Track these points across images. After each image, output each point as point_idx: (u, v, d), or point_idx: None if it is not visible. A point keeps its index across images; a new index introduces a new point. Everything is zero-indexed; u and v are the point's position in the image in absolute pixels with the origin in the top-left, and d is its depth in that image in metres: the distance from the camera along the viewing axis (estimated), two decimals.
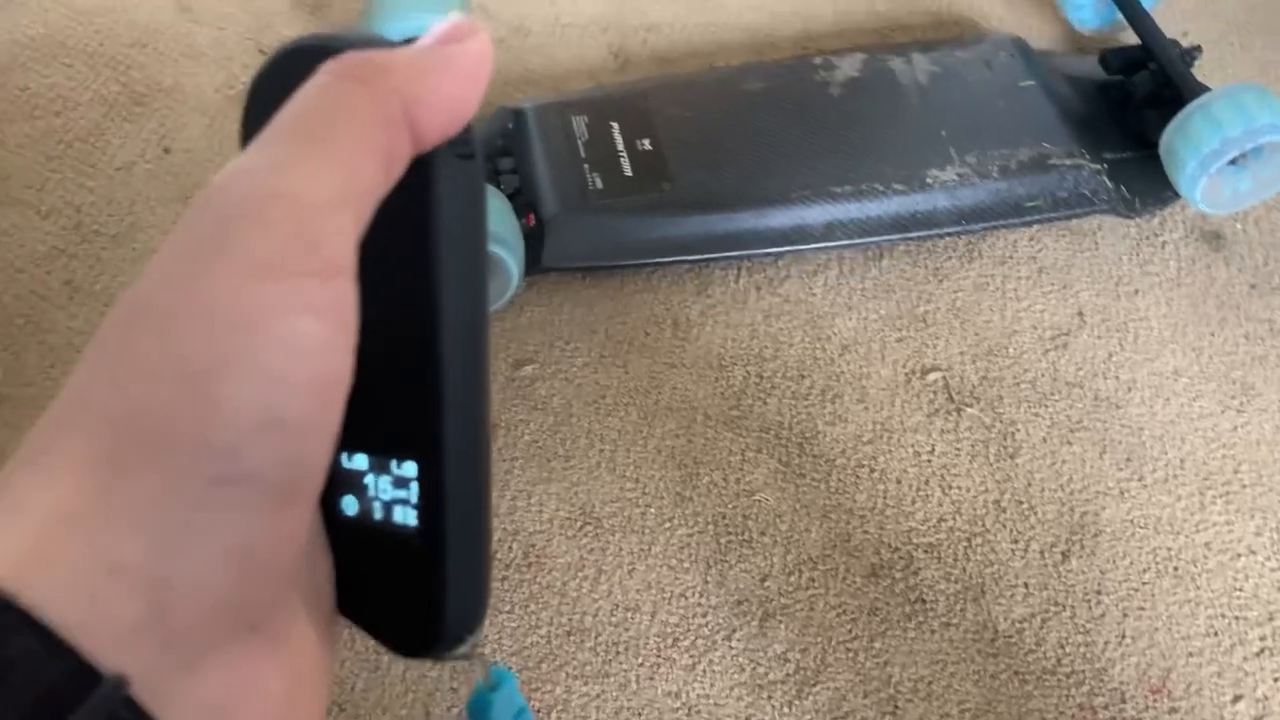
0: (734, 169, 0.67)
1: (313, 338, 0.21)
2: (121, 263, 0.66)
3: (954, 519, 0.59)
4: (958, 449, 0.61)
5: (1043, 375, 0.64)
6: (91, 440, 0.20)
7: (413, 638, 0.26)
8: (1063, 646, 0.55)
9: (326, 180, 0.21)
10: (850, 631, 0.55)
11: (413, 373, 0.24)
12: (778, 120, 0.70)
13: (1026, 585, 0.56)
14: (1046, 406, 0.63)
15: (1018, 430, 0.62)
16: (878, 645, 0.55)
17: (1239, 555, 0.58)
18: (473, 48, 0.24)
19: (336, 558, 0.26)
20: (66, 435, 0.20)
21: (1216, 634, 0.55)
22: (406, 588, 0.25)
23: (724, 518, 0.58)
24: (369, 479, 0.25)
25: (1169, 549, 0.58)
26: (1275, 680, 0.54)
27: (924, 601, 0.56)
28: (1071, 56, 0.79)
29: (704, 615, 0.55)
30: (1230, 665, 0.54)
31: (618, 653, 0.54)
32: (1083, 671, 0.54)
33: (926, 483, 0.60)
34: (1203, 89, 0.69)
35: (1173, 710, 0.53)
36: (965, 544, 0.58)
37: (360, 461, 0.25)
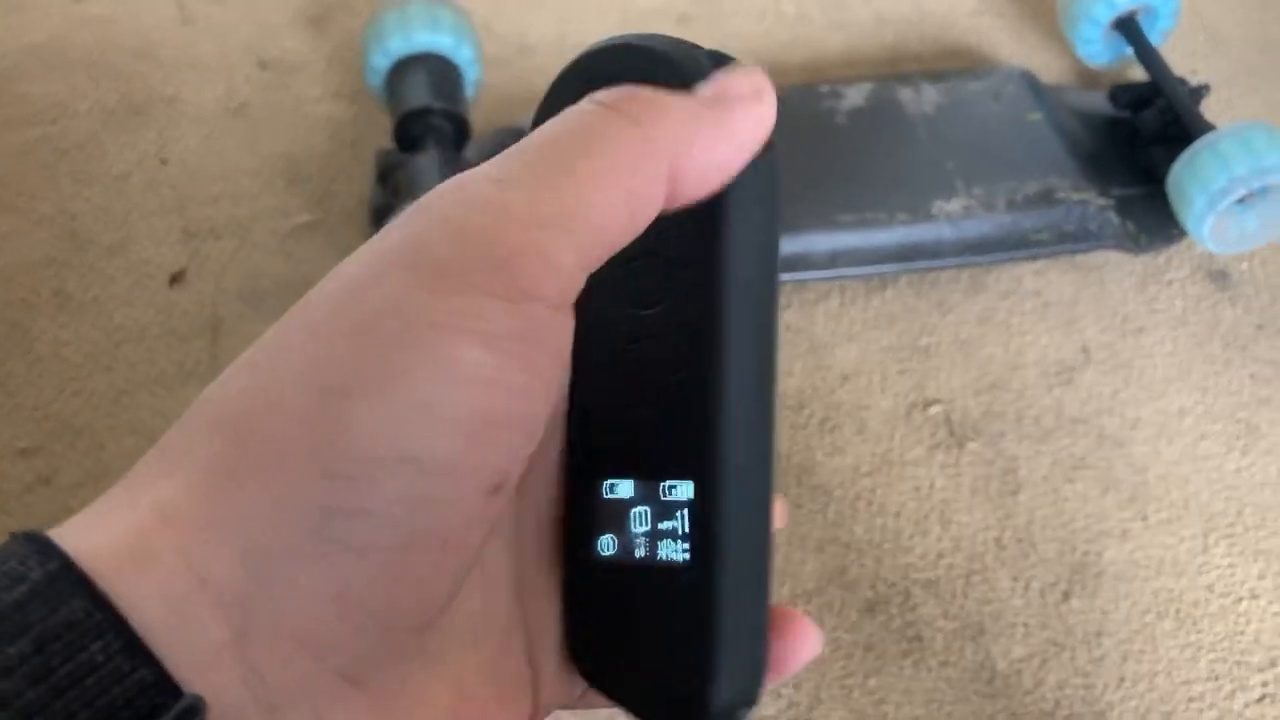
0: None
1: (478, 367, 0.18)
2: (115, 273, 0.66)
3: (953, 555, 0.58)
4: (958, 484, 0.60)
5: (1046, 411, 0.63)
6: (214, 437, 0.19)
7: (675, 708, 0.22)
8: (1062, 688, 0.54)
9: (550, 204, 0.19)
10: (845, 668, 0.54)
11: (692, 381, 0.21)
12: (783, 147, 0.69)
13: (1026, 625, 0.55)
14: (1049, 443, 0.62)
15: (1020, 466, 0.61)
16: (872, 683, 0.53)
17: (1241, 599, 0.57)
18: (756, 112, 0.21)
19: (580, 610, 0.22)
20: (196, 427, 0.19)
21: (1218, 679, 0.54)
22: (670, 643, 0.22)
23: None
24: (633, 512, 0.22)
25: (1171, 591, 0.57)
26: None
27: (921, 639, 0.55)
28: (1080, 91, 0.78)
29: None
30: (1231, 711, 0.53)
31: None
32: (1082, 714, 0.53)
33: (926, 517, 0.59)
34: (1210, 127, 0.68)
35: None
36: (964, 581, 0.57)
37: (624, 490, 0.22)
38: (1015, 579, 0.57)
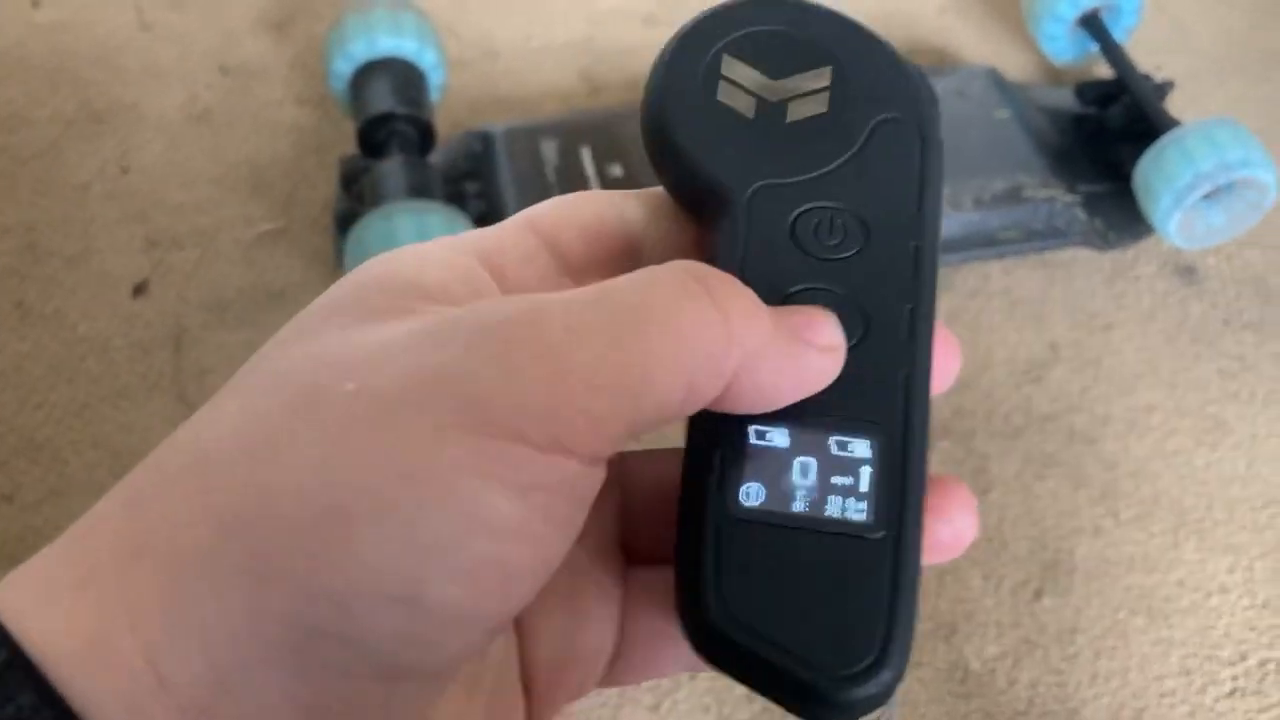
0: None
1: (501, 517, 0.17)
2: (76, 284, 0.65)
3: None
4: None
5: (1016, 409, 0.63)
6: (200, 527, 0.17)
7: (838, 673, 0.19)
8: (1035, 687, 0.54)
9: (615, 371, 0.18)
10: None
11: (885, 334, 0.21)
12: None
13: (999, 624, 0.55)
14: (1020, 441, 0.62)
15: (991, 465, 0.61)
16: None
17: (1211, 594, 0.57)
18: (825, 364, 0.20)
19: (708, 572, 0.20)
20: (177, 502, 0.17)
21: (1189, 674, 0.54)
22: (835, 610, 0.20)
23: None
24: (794, 462, 0.21)
25: (1142, 587, 0.57)
26: None
27: None
28: (1046, 88, 0.78)
29: None
30: (1202, 706, 0.53)
31: None
32: (1055, 712, 0.53)
33: None
34: (1175, 123, 0.68)
35: None
36: (936, 581, 0.57)
37: (778, 438, 0.21)
38: (987, 578, 0.57)
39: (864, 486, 0.20)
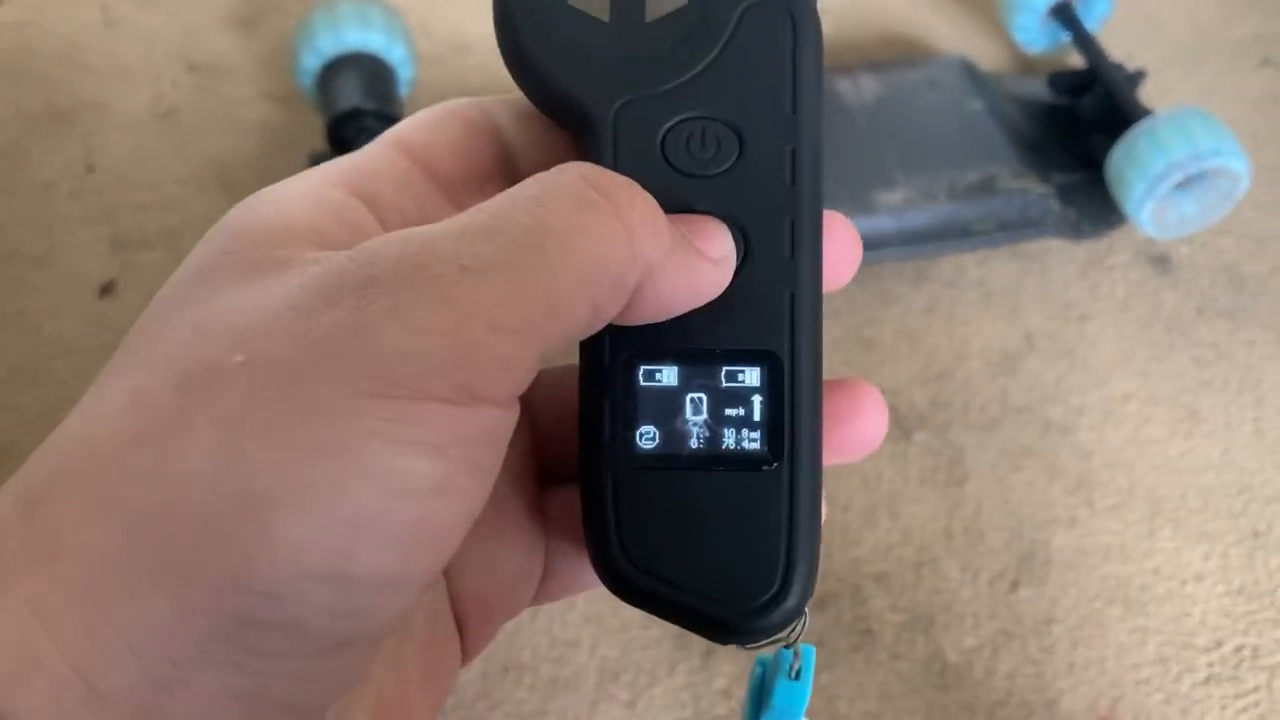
0: None
1: (420, 479, 0.16)
2: (42, 285, 0.64)
3: (902, 547, 0.57)
4: (906, 475, 0.60)
5: (991, 400, 0.63)
6: (103, 525, 0.16)
7: (740, 614, 0.20)
8: (1013, 678, 0.54)
9: (519, 308, 0.17)
10: None
11: (766, 253, 0.20)
12: None
13: (976, 615, 0.55)
14: (995, 432, 0.62)
15: (966, 456, 0.61)
16: (824, 678, 0.53)
17: (1186, 581, 0.57)
18: (716, 276, 0.20)
19: (613, 514, 0.20)
20: (76, 501, 0.16)
21: (1165, 661, 0.54)
22: (736, 544, 0.20)
23: None
24: (685, 397, 0.20)
25: (1119, 576, 0.57)
26: (1223, 708, 0.53)
27: (872, 633, 0.55)
28: (1019, 78, 0.78)
29: (645, 649, 0.53)
30: (1178, 693, 0.53)
31: (556, 690, 0.52)
32: (1032, 703, 0.53)
33: (874, 510, 0.59)
34: (1148, 113, 0.68)
35: None
36: (914, 573, 0.56)
37: (669, 376, 0.20)
38: (964, 569, 0.57)
39: (757, 415, 0.20)
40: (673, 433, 0.20)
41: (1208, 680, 0.54)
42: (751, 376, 0.20)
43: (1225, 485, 0.60)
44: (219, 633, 0.16)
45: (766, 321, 0.20)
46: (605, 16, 0.21)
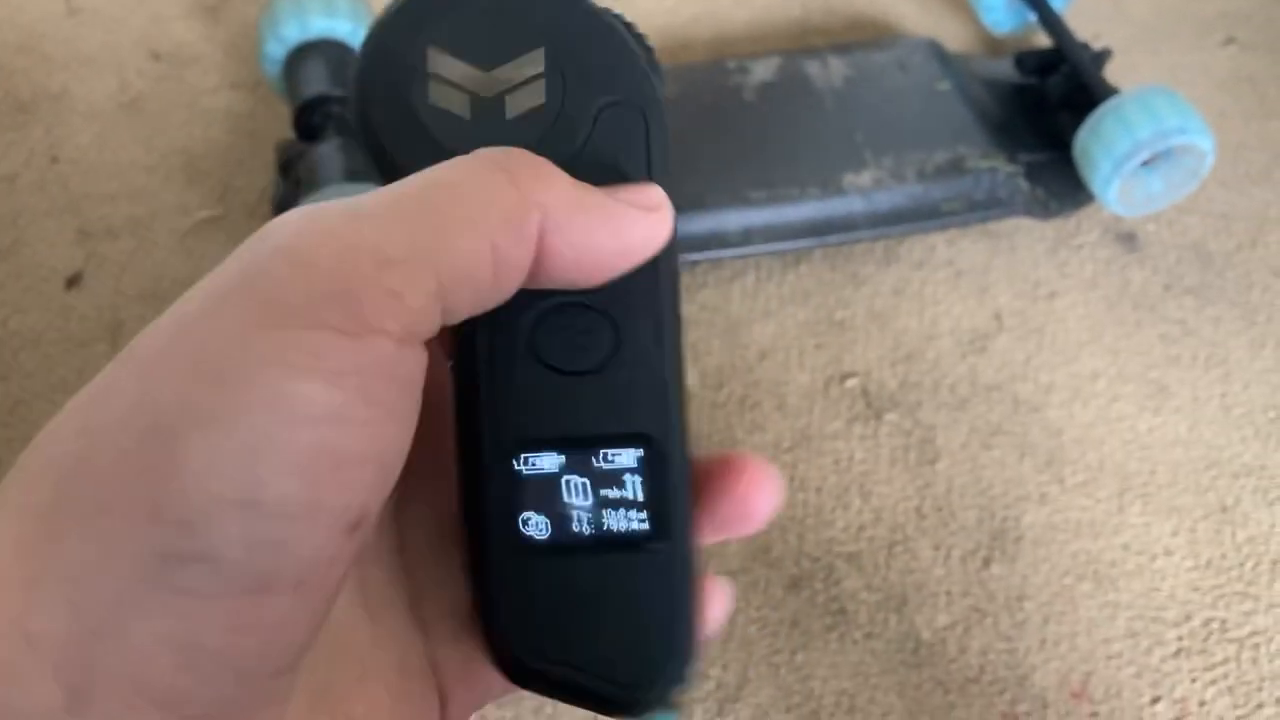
0: None
1: (317, 405, 0.17)
2: (6, 278, 0.63)
3: (875, 527, 0.58)
4: (878, 455, 0.60)
5: (961, 379, 0.64)
6: (37, 486, 0.17)
7: (633, 680, 0.21)
8: (985, 654, 0.54)
9: (404, 241, 0.18)
10: (771, 645, 0.54)
11: (636, 338, 0.21)
12: (691, 125, 0.69)
13: (949, 593, 0.56)
14: (965, 411, 0.62)
15: (937, 435, 0.61)
16: (799, 658, 0.53)
17: (1156, 556, 0.58)
18: (649, 224, 0.20)
19: (503, 600, 0.21)
20: (17, 472, 0.18)
21: (1135, 635, 0.55)
22: (623, 623, 0.21)
23: None
24: (567, 483, 0.21)
25: (1089, 552, 0.58)
26: (1193, 680, 0.54)
27: (845, 612, 0.55)
28: (986, 59, 0.78)
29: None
30: (1149, 667, 0.54)
31: None
32: (1005, 679, 0.53)
33: (847, 490, 0.59)
34: (1114, 91, 0.69)
35: (1093, 714, 0.53)
36: (886, 552, 0.57)
37: (548, 463, 0.21)
38: (936, 548, 0.57)
39: (638, 495, 0.21)
40: (557, 516, 0.21)
41: (1178, 653, 0.55)
42: (628, 458, 0.21)
43: (1193, 460, 0.61)
44: (142, 571, 0.17)
45: (638, 406, 0.21)
46: (467, 114, 0.21)
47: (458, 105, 0.21)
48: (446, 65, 0.21)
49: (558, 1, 0.22)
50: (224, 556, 0.17)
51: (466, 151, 0.20)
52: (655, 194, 0.21)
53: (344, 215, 0.18)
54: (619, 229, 0.20)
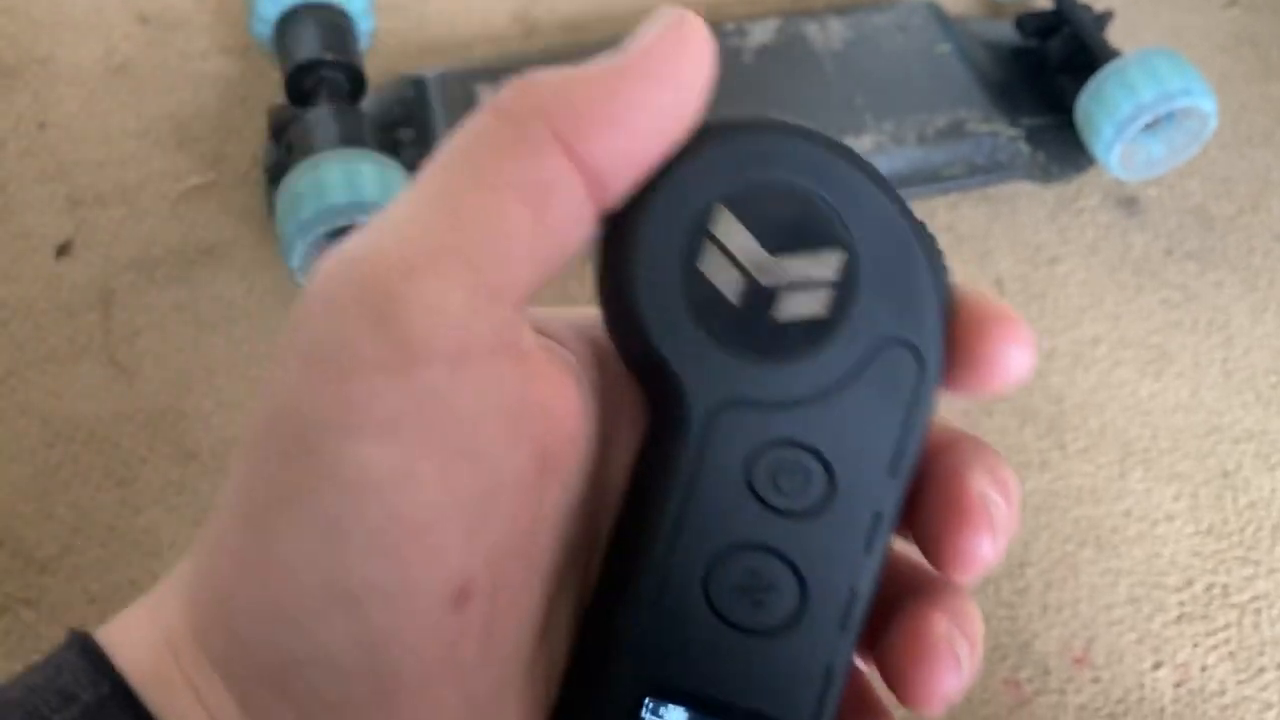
0: None
1: (374, 468, 0.15)
2: None
3: None
4: None
5: None
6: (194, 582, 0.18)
7: None
8: (987, 621, 0.54)
9: (424, 240, 0.16)
10: None
11: (817, 616, 0.18)
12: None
13: None
14: None
15: (939, 403, 0.61)
16: None
17: (1158, 522, 0.58)
18: (677, 59, 0.17)
19: None
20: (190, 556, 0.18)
21: (1137, 601, 0.55)
22: None
23: None
24: None
25: (1090, 518, 0.57)
26: (1194, 646, 0.54)
27: None
28: (986, 21, 0.78)
29: None
30: (1150, 632, 0.54)
31: None
32: (1006, 645, 0.53)
33: None
34: (1115, 54, 0.68)
35: (1095, 680, 0.53)
36: None
37: (673, 716, 0.18)
38: None
39: None
40: None
41: (1179, 619, 0.55)
42: None
43: (1194, 426, 0.61)
44: (271, 677, 0.16)
45: (795, 691, 0.18)
46: (734, 298, 0.18)
47: (727, 283, 0.18)
48: (732, 230, 0.18)
49: (877, 196, 0.19)
50: (340, 658, 0.16)
51: (715, 347, 0.18)
52: (669, 19, 0.17)
53: (362, 237, 0.16)
54: (647, 91, 0.17)
